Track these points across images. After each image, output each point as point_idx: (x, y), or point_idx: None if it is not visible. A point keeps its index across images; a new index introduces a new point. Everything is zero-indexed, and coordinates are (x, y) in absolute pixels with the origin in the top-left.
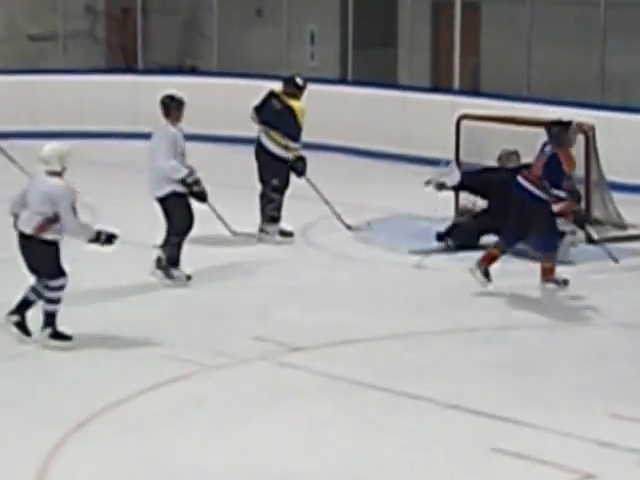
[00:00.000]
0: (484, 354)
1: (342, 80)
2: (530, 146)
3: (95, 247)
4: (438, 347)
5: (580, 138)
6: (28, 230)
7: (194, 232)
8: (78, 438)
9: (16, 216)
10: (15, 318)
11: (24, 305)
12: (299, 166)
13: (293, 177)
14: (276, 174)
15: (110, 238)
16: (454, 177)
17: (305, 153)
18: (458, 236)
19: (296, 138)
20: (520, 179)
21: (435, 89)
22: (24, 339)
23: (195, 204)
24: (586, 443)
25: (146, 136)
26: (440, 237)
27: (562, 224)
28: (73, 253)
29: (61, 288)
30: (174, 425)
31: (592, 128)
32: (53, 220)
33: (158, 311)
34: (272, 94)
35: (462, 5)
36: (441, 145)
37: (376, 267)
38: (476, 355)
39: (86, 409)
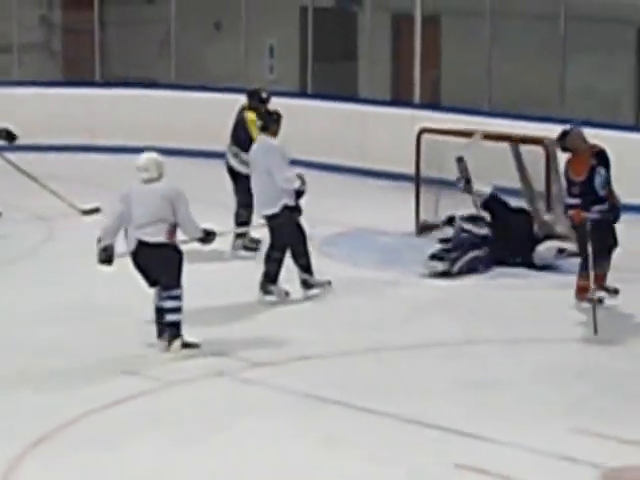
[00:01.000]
0: (446, 369)
1: (302, 93)
2: (489, 159)
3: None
4: (400, 363)
5: (540, 152)
6: (160, 238)
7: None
8: (34, 457)
9: (106, 248)
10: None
11: (162, 315)
12: None
13: None
14: (239, 190)
15: (214, 234)
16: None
17: None
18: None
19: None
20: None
21: (395, 102)
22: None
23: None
24: (548, 458)
25: (103, 149)
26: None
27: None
28: None
29: (181, 297)
30: (134, 442)
31: (553, 142)
32: (175, 225)
33: (116, 326)
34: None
35: (422, 18)
36: (401, 159)
37: (338, 282)
38: (438, 371)
39: (42, 427)
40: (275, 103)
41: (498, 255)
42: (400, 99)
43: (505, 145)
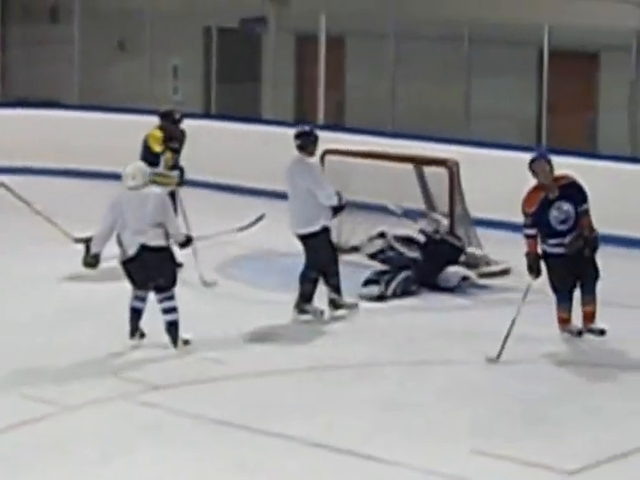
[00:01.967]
0: (352, 391)
1: (205, 114)
2: (394, 182)
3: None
4: (305, 384)
5: (444, 174)
6: (161, 242)
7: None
8: None
9: (95, 255)
10: (137, 340)
11: (139, 318)
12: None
13: None
14: None
15: (190, 240)
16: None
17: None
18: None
19: (156, 164)
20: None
21: (299, 123)
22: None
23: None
24: None
25: (3, 171)
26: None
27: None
28: None
29: (175, 296)
30: (32, 468)
31: (456, 164)
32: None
33: (14, 349)
34: None
35: (326, 40)
36: None
37: (241, 304)
38: (344, 392)
39: None
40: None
41: (425, 278)
42: (304, 120)
43: (409, 167)
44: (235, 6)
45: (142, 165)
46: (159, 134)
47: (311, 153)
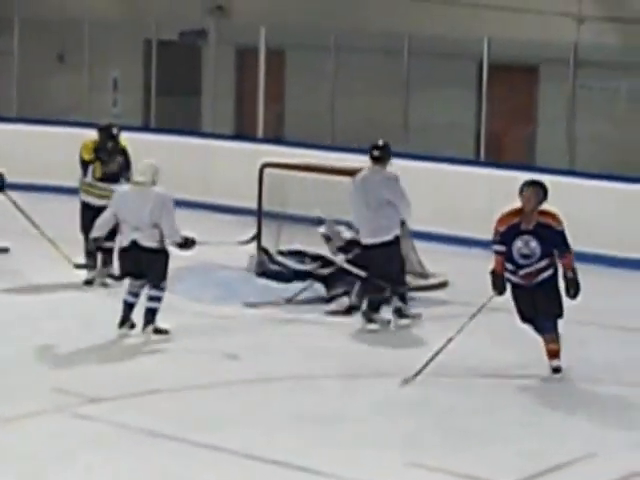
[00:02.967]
0: (286, 404)
1: (145, 127)
2: (333, 194)
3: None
4: (242, 396)
5: None
6: (153, 244)
7: None
8: None
9: (97, 239)
10: (126, 330)
11: (130, 310)
12: None
13: None
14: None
15: (193, 242)
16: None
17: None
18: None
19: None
20: None
21: (239, 137)
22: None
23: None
24: None
25: None
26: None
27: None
28: None
29: (165, 289)
30: None
31: (396, 178)
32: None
33: None
34: None
35: (266, 52)
36: (244, 193)
37: (178, 316)
38: (279, 405)
39: None
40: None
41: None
42: (244, 133)
43: (348, 179)
44: (175, 18)
45: (154, 163)
46: (91, 144)
47: (388, 165)
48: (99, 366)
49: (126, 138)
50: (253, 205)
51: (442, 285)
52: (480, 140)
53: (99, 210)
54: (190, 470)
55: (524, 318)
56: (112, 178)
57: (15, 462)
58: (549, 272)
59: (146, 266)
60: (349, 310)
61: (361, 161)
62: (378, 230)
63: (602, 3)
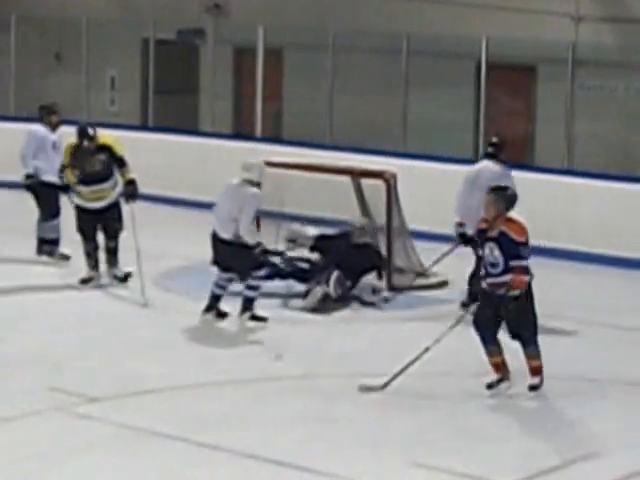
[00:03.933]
0: (285, 404)
1: (143, 126)
2: (332, 194)
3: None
4: (241, 396)
5: (381, 186)
6: (230, 237)
7: None
8: None
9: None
10: (209, 315)
11: (215, 300)
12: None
13: None
14: None
15: (262, 252)
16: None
17: None
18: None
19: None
20: None
21: (237, 136)
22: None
23: None
24: None
25: None
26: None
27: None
28: None
29: (261, 279)
30: None
31: (393, 176)
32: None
33: None
34: None
35: (264, 52)
36: None
37: (176, 315)
38: (280, 404)
39: None
40: (116, 135)
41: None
42: (242, 133)
43: (346, 179)
44: (173, 17)
45: (261, 163)
46: (69, 148)
47: (503, 161)
48: (98, 366)
49: (124, 137)
50: None
51: (442, 285)
52: (479, 139)
53: (90, 212)
54: (189, 469)
55: (479, 327)
56: (96, 178)
57: (15, 462)
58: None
59: (228, 259)
60: (324, 299)
61: (359, 160)
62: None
63: (600, 3)
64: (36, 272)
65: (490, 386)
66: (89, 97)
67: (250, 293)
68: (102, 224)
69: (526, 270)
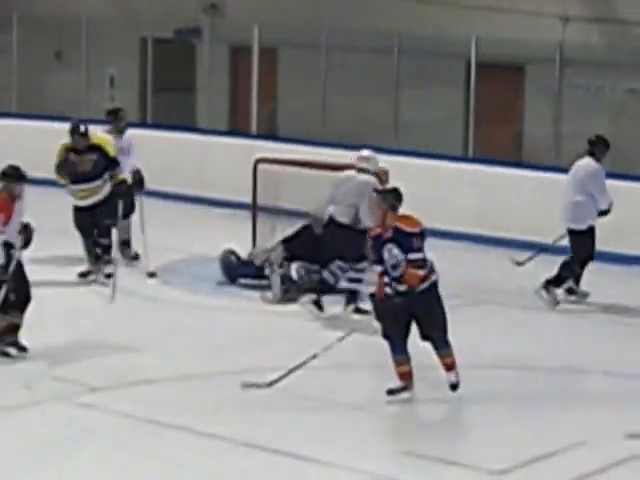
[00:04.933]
0: (285, 393)
1: (141, 123)
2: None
3: None
4: (239, 386)
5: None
6: (345, 220)
7: None
8: None
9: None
10: (311, 298)
11: (325, 287)
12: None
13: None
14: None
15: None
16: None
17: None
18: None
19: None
20: None
21: (233, 133)
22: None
23: None
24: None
25: None
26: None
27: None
28: None
29: (364, 270)
30: None
31: (386, 173)
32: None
33: None
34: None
35: (260, 50)
36: (239, 188)
37: (177, 309)
38: (277, 394)
39: None
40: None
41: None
42: (238, 130)
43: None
44: (170, 17)
45: (377, 158)
46: (61, 147)
47: (599, 159)
48: (98, 356)
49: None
50: (247, 199)
51: None
52: (468, 137)
53: (87, 210)
54: (190, 458)
55: (389, 336)
56: (87, 177)
57: (15, 451)
58: (425, 284)
59: (340, 242)
60: (287, 287)
61: (352, 157)
62: (577, 218)
63: (587, 4)
64: (35, 267)
65: (391, 392)
66: (88, 95)
67: (353, 286)
68: (94, 221)
69: (423, 265)
